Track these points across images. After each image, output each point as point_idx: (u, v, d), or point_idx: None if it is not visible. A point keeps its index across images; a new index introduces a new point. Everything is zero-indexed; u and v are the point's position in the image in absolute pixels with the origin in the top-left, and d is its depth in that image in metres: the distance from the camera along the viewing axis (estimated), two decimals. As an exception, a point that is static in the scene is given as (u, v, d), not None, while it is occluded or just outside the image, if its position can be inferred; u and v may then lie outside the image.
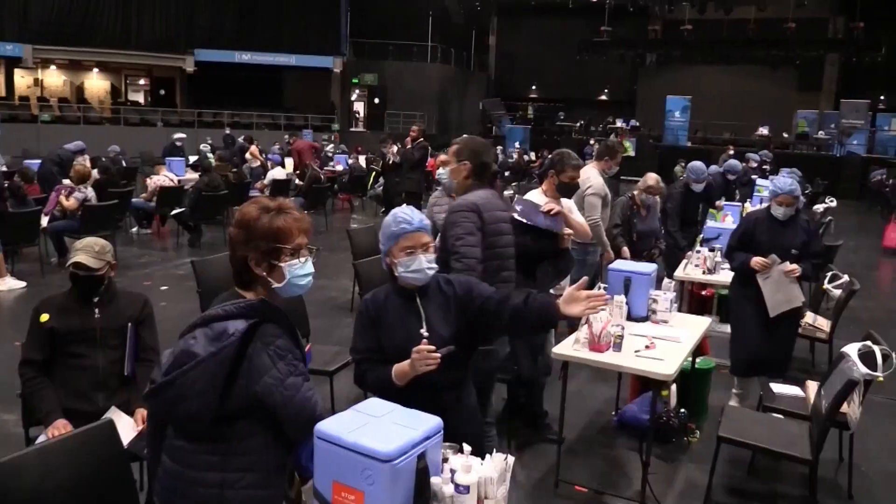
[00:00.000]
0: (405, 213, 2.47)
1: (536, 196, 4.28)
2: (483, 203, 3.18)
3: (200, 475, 1.92)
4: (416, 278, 2.43)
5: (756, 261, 4.39)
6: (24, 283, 7.26)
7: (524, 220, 3.82)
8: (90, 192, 8.22)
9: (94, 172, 10.63)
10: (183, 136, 15.56)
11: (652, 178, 6.08)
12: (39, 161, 10.94)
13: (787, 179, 4.51)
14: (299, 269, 2.05)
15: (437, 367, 2.29)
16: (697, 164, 6.93)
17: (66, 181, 8.47)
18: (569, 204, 4.34)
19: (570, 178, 4.15)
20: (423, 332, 2.41)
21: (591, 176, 5.39)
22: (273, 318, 1.95)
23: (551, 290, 3.85)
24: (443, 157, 5.04)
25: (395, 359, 2.38)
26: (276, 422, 1.93)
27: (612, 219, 5.41)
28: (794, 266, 4.32)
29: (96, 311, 3.03)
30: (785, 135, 24.52)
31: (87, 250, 3.01)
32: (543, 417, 4.27)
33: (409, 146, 9.40)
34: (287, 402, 1.90)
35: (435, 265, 2.46)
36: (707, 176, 6.78)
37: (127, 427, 2.84)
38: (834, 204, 10.66)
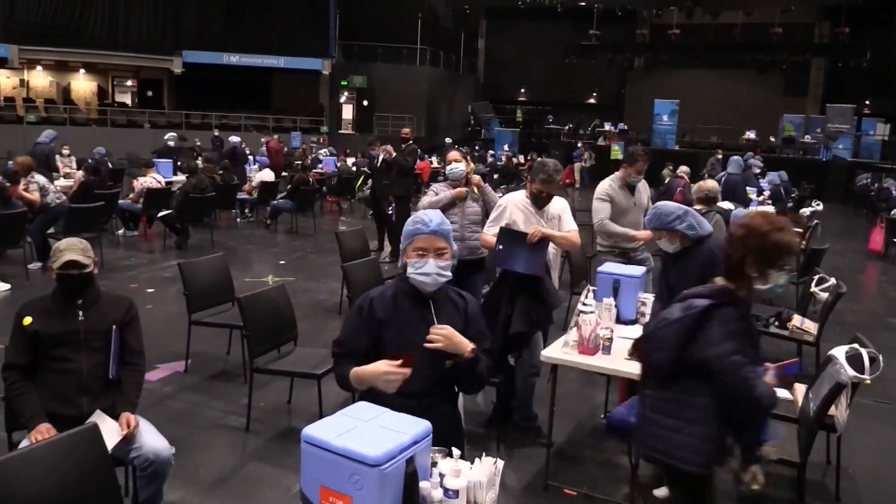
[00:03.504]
0: (425, 214, 2.44)
1: (520, 197, 4.31)
2: None
3: (659, 418, 2.41)
4: (423, 282, 2.38)
5: None
6: (7, 286, 7.18)
7: (505, 268, 4.04)
8: (42, 180, 8.06)
9: (80, 174, 10.57)
10: (174, 135, 15.47)
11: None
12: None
13: (657, 207, 3.71)
14: (781, 280, 2.35)
15: (426, 379, 2.32)
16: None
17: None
18: (559, 211, 4.34)
19: (536, 190, 4.22)
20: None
21: (600, 184, 5.45)
22: (735, 304, 2.34)
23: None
24: (454, 153, 5.10)
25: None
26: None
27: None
28: None
29: (80, 313, 2.98)
30: (771, 138, 24.73)
31: (74, 249, 2.98)
32: (533, 421, 4.26)
33: (398, 152, 9.33)
34: (725, 375, 2.26)
35: (448, 273, 2.41)
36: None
37: (111, 431, 2.80)
38: (820, 207, 10.76)
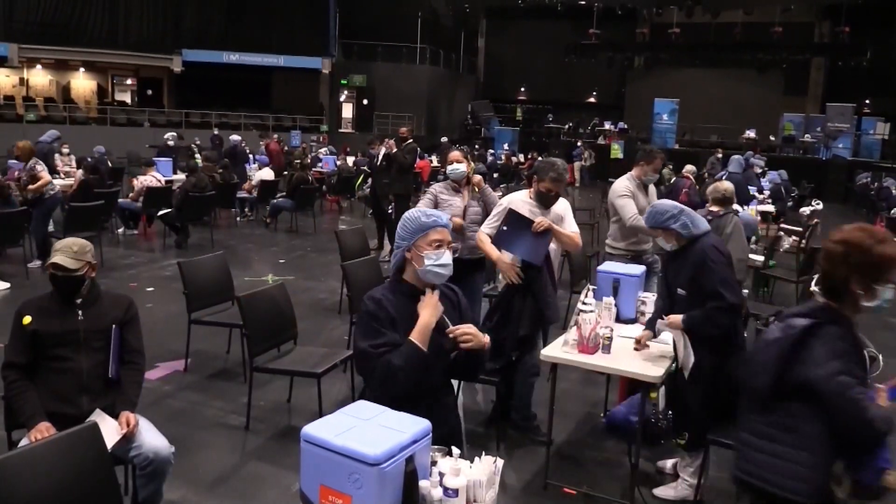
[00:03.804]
0: (432, 210, 2.50)
1: (523, 197, 4.30)
2: None
3: (759, 442, 2.28)
4: (439, 274, 2.39)
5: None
6: (7, 285, 7.18)
7: (507, 252, 4.03)
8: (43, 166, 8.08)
9: (80, 173, 10.55)
10: (174, 134, 15.41)
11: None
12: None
13: (654, 206, 3.61)
14: (888, 294, 2.20)
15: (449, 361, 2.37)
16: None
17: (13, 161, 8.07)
18: (561, 211, 4.33)
19: (545, 189, 4.20)
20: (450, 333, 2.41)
21: (615, 182, 5.31)
22: (838, 322, 2.20)
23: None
24: (456, 154, 5.05)
25: None
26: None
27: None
28: (671, 318, 3.40)
29: (80, 312, 2.98)
30: (771, 138, 24.72)
31: (66, 251, 2.97)
32: (531, 420, 4.26)
33: (398, 148, 9.31)
34: (832, 396, 2.11)
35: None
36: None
37: (111, 430, 2.80)
38: (820, 206, 10.75)
